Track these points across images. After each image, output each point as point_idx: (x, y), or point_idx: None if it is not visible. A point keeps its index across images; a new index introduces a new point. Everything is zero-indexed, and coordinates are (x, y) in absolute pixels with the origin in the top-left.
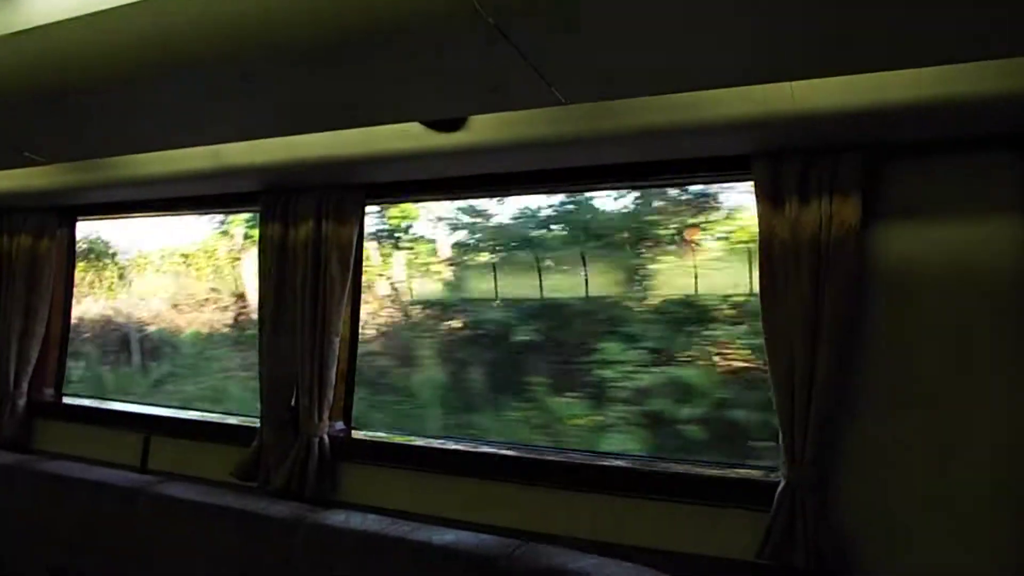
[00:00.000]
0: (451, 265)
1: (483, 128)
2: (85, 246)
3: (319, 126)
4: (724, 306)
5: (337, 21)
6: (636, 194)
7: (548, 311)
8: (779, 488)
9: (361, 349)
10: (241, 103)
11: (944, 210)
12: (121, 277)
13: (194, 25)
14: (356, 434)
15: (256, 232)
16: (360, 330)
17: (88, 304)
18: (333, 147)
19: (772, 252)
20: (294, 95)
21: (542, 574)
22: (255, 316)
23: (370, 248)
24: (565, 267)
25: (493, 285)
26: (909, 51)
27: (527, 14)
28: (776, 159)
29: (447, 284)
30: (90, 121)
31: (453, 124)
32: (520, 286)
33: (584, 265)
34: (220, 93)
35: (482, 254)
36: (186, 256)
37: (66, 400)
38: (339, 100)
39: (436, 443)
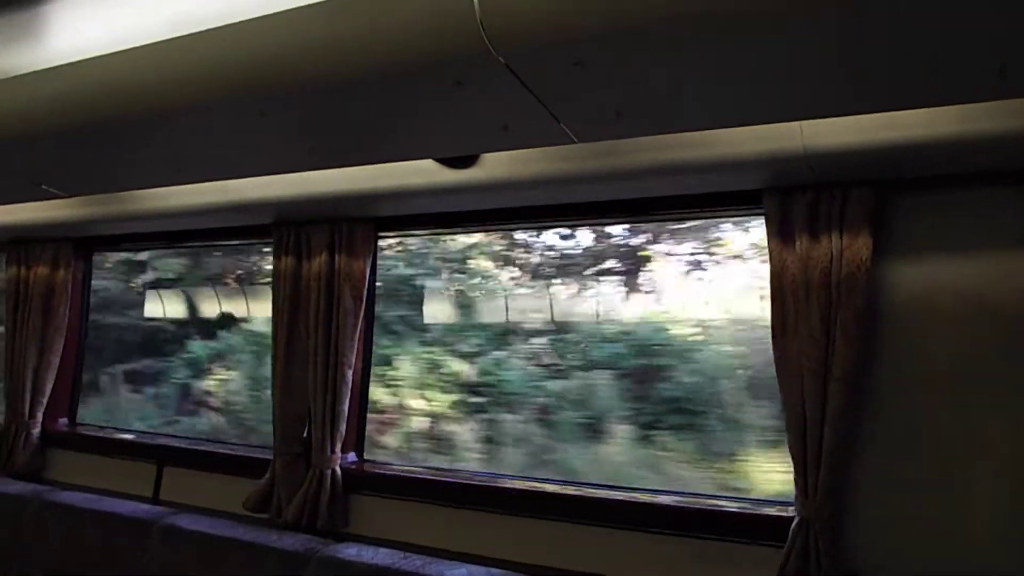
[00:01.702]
0: None
1: (495, 165)
2: None
3: (333, 163)
4: None
5: (352, 60)
6: None
7: None
8: (793, 524)
9: None
10: (257, 140)
11: (954, 245)
12: None
13: (212, 63)
14: (368, 466)
15: None
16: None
17: None
18: (346, 182)
19: (783, 287)
20: (309, 133)
21: None
22: None
23: None
24: None
25: None
26: (918, 92)
27: (538, 53)
28: (787, 194)
29: None
30: (108, 157)
31: (465, 161)
32: None
33: None
34: (237, 130)
35: None
36: None
37: (80, 430)
38: (353, 138)
39: (449, 476)
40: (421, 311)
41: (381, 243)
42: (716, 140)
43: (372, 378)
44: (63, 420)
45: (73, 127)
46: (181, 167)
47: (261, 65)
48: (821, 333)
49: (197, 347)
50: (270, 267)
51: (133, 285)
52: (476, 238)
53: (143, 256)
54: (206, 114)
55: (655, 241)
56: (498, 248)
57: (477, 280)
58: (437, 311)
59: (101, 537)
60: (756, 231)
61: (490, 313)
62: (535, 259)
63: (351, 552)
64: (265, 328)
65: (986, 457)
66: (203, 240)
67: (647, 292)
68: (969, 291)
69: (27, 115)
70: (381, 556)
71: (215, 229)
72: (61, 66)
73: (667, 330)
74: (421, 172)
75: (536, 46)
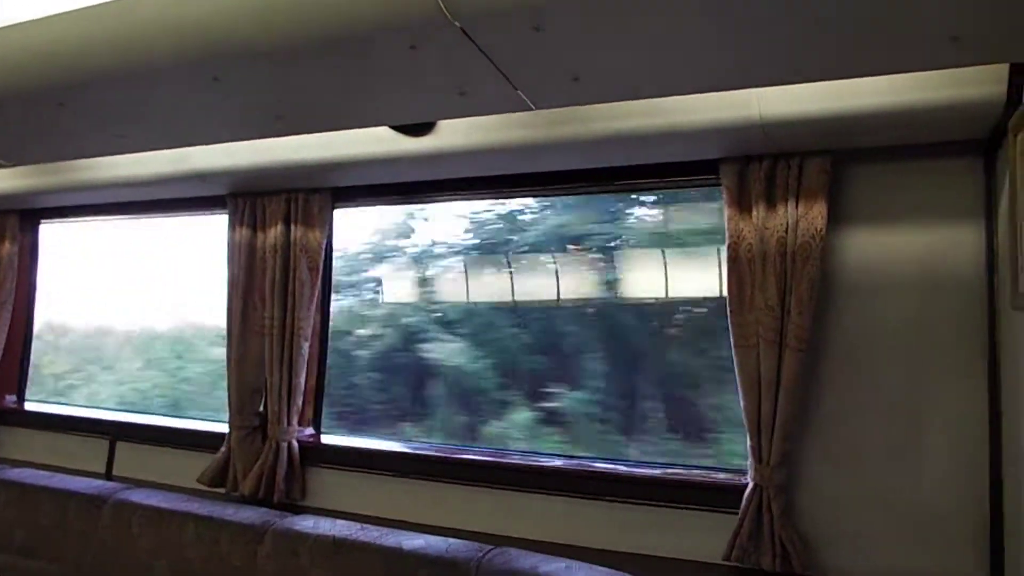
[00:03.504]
0: None
1: (452, 133)
2: None
3: (288, 130)
4: None
5: (306, 24)
6: None
7: None
8: (747, 490)
9: None
10: (210, 106)
11: (908, 215)
12: None
13: (163, 27)
14: (325, 439)
15: None
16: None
17: None
18: (301, 151)
19: (740, 257)
20: (263, 98)
21: None
22: None
23: None
24: None
25: None
26: (872, 59)
27: (493, 17)
28: (744, 164)
29: None
30: (55, 124)
31: (422, 128)
32: None
33: None
34: (188, 96)
35: None
36: None
37: (28, 407)
38: (307, 104)
39: (405, 447)
40: None
41: None
42: (673, 108)
43: None
44: (10, 397)
45: (14, 91)
46: (129, 135)
47: (211, 28)
48: (776, 302)
49: None
50: None
51: None
52: None
53: None
54: (157, 79)
55: None
56: None
57: None
58: None
59: (52, 513)
60: None
61: None
62: None
63: (308, 524)
64: None
65: (937, 423)
66: (156, 211)
67: None
68: (922, 260)
69: None
70: (339, 527)
71: (169, 200)
72: (2, 28)
73: None
74: (378, 140)
75: (490, 10)
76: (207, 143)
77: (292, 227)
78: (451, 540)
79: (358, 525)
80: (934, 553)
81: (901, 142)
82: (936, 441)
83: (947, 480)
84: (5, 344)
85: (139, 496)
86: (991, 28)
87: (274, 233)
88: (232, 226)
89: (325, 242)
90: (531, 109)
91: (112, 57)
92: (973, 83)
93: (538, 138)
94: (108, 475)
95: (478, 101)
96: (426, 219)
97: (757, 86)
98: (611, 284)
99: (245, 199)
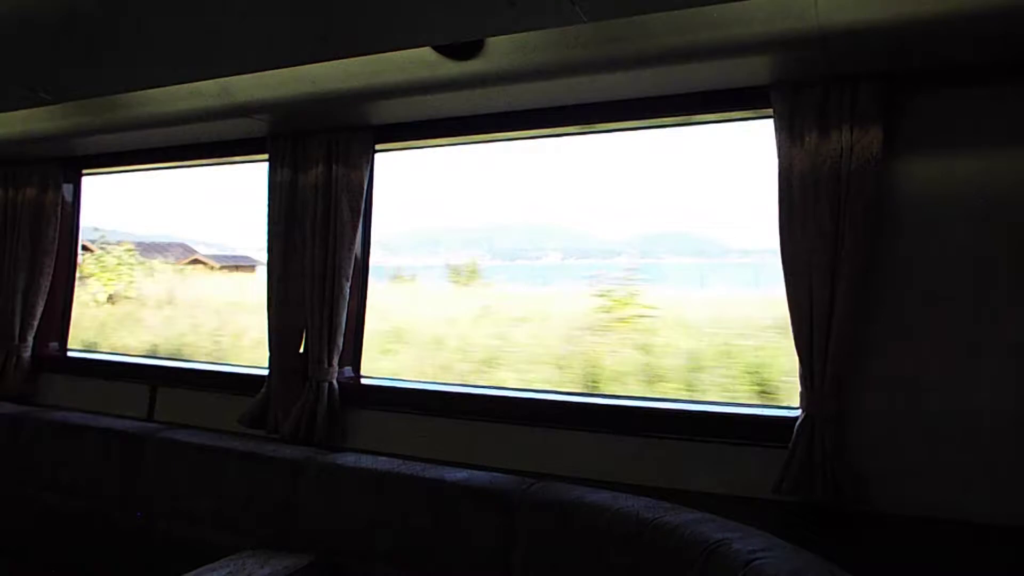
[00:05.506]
0: None
1: (499, 55)
2: None
3: (332, 52)
4: None
5: None
6: None
7: None
8: (798, 421)
9: None
10: (256, 27)
11: (965, 141)
12: None
13: None
14: (365, 380)
15: None
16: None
17: None
18: (341, 80)
19: (791, 184)
20: (308, 18)
21: (558, 506)
22: None
23: None
24: None
25: None
26: None
27: None
28: (795, 89)
29: None
30: (99, 51)
31: (468, 50)
32: None
33: None
34: (233, 15)
35: None
36: None
37: (71, 354)
38: (352, 20)
39: (445, 387)
40: None
41: None
42: (728, 19)
43: None
44: (54, 344)
45: (63, 17)
46: (176, 62)
47: None
48: (830, 227)
49: None
50: None
51: None
52: None
53: None
54: None
55: None
56: None
57: None
58: None
59: (97, 452)
60: None
61: None
62: None
63: (350, 459)
64: None
65: (998, 355)
66: (197, 157)
67: None
68: (980, 187)
69: (17, 6)
70: (380, 462)
71: (209, 144)
72: None
73: None
74: (420, 65)
75: None
76: (250, 70)
77: (333, 167)
78: (494, 474)
79: (400, 460)
80: (990, 492)
81: (962, 58)
82: (996, 373)
83: (1006, 414)
84: (48, 292)
85: (182, 435)
86: None
87: (315, 173)
88: (273, 167)
89: (367, 183)
90: (583, 22)
91: None
92: None
93: (589, 57)
94: (150, 419)
95: (529, 14)
96: None
97: None
98: None
99: (286, 140)
